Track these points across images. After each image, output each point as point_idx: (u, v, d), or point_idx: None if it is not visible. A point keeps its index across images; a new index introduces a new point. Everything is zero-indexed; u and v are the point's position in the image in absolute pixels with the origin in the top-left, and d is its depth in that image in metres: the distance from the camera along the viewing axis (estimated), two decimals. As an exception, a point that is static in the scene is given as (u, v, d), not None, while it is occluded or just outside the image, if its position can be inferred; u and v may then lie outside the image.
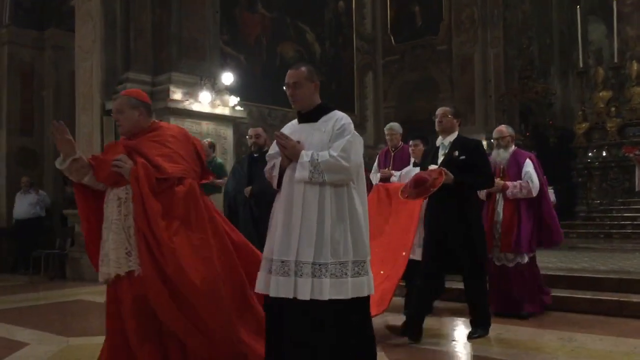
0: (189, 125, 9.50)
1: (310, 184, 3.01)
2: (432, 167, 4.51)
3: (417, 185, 4.43)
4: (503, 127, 5.83)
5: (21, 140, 11.54)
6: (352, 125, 3.15)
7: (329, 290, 2.93)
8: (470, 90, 16.75)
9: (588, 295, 5.82)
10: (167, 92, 9.32)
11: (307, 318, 2.98)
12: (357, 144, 3.12)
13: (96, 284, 6.79)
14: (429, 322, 5.21)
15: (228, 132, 10.18)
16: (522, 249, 5.37)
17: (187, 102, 9.42)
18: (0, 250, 10.93)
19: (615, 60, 14.76)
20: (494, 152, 5.71)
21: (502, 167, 5.56)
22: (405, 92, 18.73)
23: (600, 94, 15.22)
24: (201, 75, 9.75)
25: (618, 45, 14.76)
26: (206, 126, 9.78)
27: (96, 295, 6.84)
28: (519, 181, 5.43)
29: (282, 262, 2.99)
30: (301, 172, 3.02)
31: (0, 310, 6.52)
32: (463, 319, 5.42)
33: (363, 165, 3.22)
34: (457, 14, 17.07)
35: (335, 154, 3.01)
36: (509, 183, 5.44)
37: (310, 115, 3.23)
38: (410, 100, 18.66)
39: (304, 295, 2.93)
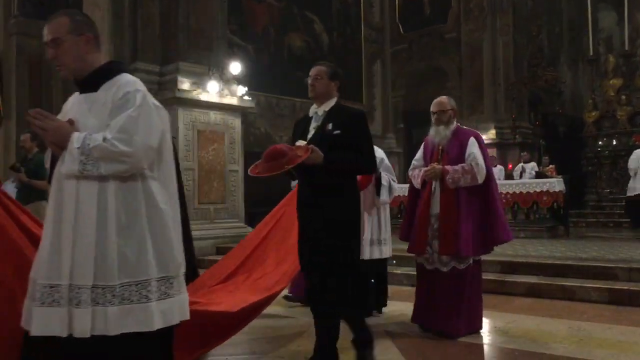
0: (197, 115, 9.53)
1: (84, 178, 2.22)
2: (300, 143, 3.46)
3: (271, 159, 3.37)
4: (444, 98, 4.58)
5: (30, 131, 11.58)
6: (141, 94, 2.31)
7: (119, 321, 2.19)
8: (479, 78, 16.67)
9: (597, 284, 5.80)
10: (175, 82, 9.33)
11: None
12: (147, 119, 2.28)
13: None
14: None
15: (236, 122, 10.19)
16: (463, 253, 4.22)
17: (195, 92, 9.43)
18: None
19: (626, 47, 14.65)
20: (432, 130, 4.55)
21: (441, 147, 4.45)
22: (413, 81, 18.65)
23: (611, 81, 15.12)
24: (209, 65, 9.75)
25: (629, 32, 14.64)
26: (214, 116, 9.80)
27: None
28: (460, 165, 4.30)
29: (52, 287, 2.21)
30: (69, 163, 2.21)
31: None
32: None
33: (170, 147, 2.45)
34: (465, 2, 16.96)
35: (110, 136, 2.20)
36: (449, 167, 4.32)
37: (87, 83, 2.38)
38: (418, 89, 18.57)
39: (83, 331, 2.16)
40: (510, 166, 14.64)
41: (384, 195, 4.91)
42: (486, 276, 6.40)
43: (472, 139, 4.39)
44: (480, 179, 4.28)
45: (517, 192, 10.25)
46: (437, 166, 4.36)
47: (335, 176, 3.40)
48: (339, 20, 15.89)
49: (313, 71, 3.64)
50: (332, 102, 3.60)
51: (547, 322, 4.78)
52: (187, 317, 2.42)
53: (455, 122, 4.52)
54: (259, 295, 3.76)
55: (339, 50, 15.80)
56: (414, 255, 4.61)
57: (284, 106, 13.23)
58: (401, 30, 18.51)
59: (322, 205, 3.39)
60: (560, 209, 10.21)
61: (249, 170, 3.53)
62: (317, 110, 3.61)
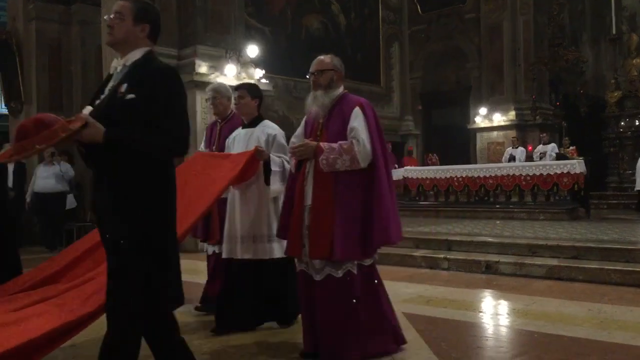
0: (214, 98, 9.54)
1: None
2: (86, 110, 2.49)
3: (23, 135, 2.31)
4: (326, 56, 3.51)
5: (51, 115, 11.68)
6: None
7: None
8: (499, 59, 16.49)
9: (618, 266, 5.75)
10: (192, 66, 9.34)
11: None
12: None
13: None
14: (456, 294, 5.21)
15: (254, 105, 10.20)
16: (336, 256, 3.18)
17: (212, 75, 9.43)
18: (31, 224, 11.00)
19: (650, 26, 14.37)
20: (310, 97, 3.52)
21: (320, 120, 3.47)
22: (431, 62, 18.48)
23: (634, 61, 14.87)
24: (226, 48, 9.74)
25: (653, 10, 14.35)
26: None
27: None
28: (339, 142, 3.29)
29: None
30: None
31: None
32: (490, 290, 5.42)
33: None
34: (485, -19, 16.71)
35: None
36: (324, 145, 3.31)
37: None
38: (437, 71, 18.42)
39: None
40: (530, 148, 14.49)
41: (275, 184, 3.92)
42: (505, 259, 6.39)
43: (356, 109, 3.34)
44: (363, 161, 3.25)
45: (537, 173, 10.17)
46: (310, 142, 3.36)
47: (126, 161, 2.40)
48: (356, 1, 15.75)
49: (114, 7, 2.58)
50: (136, 54, 2.55)
51: (567, 304, 4.75)
52: None
53: (341, 89, 3.49)
54: (57, 319, 2.63)
55: (357, 32, 15.69)
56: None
57: (301, 89, 13.18)
58: (419, 10, 18.31)
59: (106, 206, 2.46)
60: (581, 190, 10.11)
61: None
62: (117, 65, 2.59)
